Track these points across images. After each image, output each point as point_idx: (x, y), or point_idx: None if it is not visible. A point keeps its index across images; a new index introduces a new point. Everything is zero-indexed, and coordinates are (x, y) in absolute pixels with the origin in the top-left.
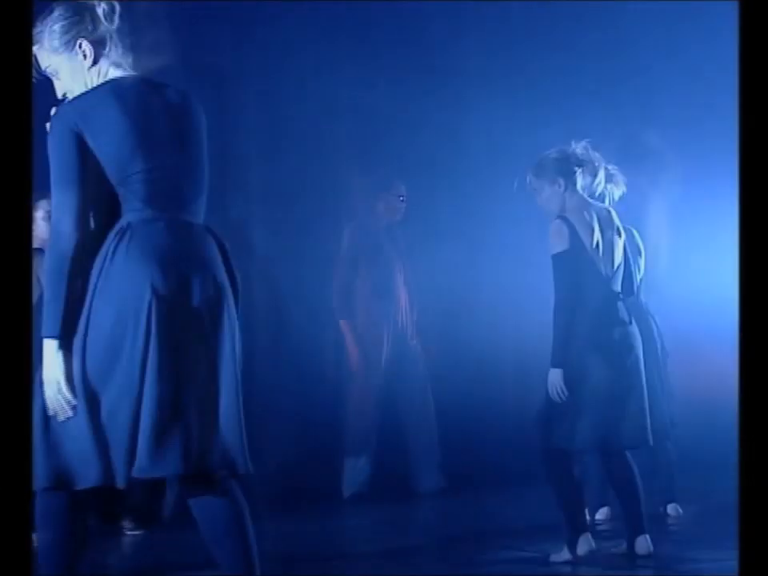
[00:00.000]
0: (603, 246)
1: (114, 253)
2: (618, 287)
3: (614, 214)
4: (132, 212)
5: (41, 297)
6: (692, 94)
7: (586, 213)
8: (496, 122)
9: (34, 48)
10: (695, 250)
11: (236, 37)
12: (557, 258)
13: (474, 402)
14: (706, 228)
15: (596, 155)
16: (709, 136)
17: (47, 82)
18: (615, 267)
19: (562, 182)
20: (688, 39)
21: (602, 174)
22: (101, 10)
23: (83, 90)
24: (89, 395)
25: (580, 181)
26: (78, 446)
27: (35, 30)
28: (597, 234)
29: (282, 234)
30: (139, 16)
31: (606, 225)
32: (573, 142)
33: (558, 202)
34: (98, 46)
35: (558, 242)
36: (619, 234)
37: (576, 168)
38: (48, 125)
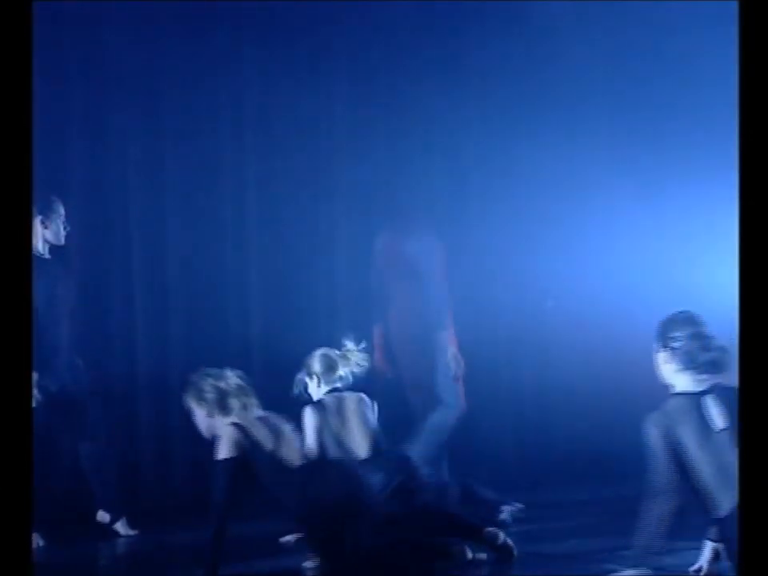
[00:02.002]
0: None
1: None
2: None
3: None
4: None
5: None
6: (692, 95)
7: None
8: (495, 124)
9: None
10: (695, 256)
11: (226, 42)
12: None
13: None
14: (706, 232)
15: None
16: (709, 138)
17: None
18: None
19: (215, 412)
20: (687, 40)
21: None
22: None
23: None
24: None
25: (234, 405)
26: None
27: None
28: None
29: (298, 245)
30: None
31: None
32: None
33: (204, 425)
34: None
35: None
36: None
37: (232, 402)
38: None
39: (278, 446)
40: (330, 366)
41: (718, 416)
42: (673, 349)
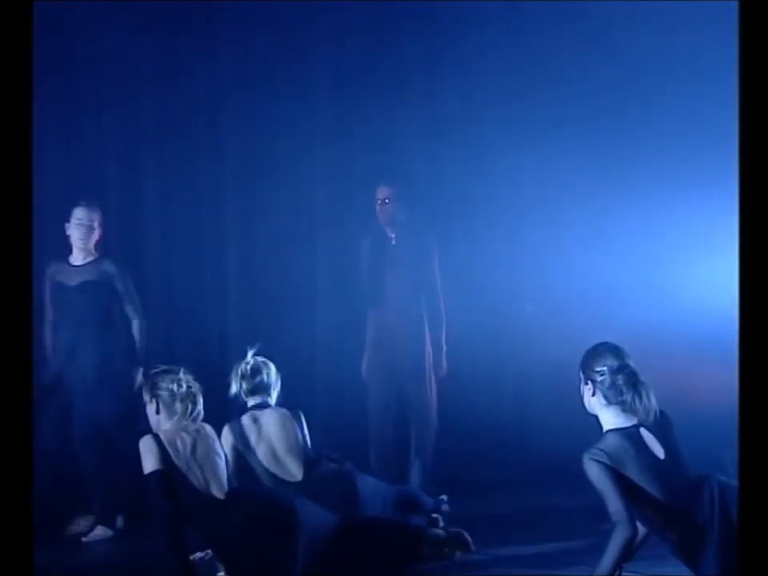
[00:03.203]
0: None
1: None
2: None
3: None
4: None
5: None
6: (691, 96)
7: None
8: (496, 127)
9: None
10: (695, 256)
11: (213, 51)
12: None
13: (473, 407)
14: (706, 233)
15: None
16: (709, 140)
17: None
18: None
19: (162, 411)
20: (687, 40)
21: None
22: None
23: None
24: None
25: (179, 409)
26: None
27: None
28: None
29: (294, 251)
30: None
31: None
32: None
33: (153, 420)
34: None
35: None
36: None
37: (177, 406)
38: None
39: (197, 466)
40: (245, 375)
41: (656, 446)
42: (595, 382)
